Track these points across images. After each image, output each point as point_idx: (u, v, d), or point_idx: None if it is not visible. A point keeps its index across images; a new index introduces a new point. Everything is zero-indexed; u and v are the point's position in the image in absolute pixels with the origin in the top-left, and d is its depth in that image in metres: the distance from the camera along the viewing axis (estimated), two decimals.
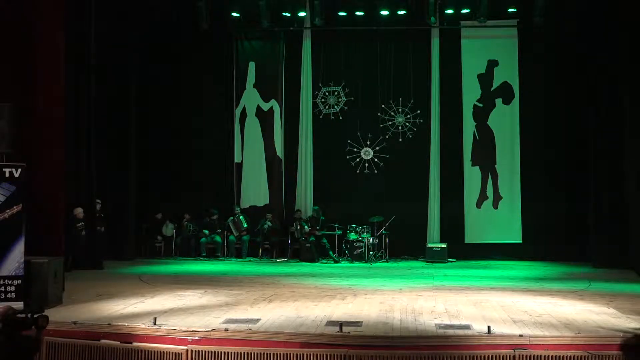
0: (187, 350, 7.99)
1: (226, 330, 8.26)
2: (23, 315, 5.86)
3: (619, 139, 14.98)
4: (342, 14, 17.42)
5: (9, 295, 9.46)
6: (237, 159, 17.90)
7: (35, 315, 5.87)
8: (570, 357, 7.72)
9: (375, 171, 17.61)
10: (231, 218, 17.29)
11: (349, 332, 8.20)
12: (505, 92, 17.21)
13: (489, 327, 8.19)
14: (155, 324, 8.42)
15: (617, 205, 14.93)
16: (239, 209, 17.45)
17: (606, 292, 11.47)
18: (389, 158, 17.54)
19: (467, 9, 16.96)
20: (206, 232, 17.15)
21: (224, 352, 7.90)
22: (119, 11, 15.98)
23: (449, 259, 16.40)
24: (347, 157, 17.68)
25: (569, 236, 16.48)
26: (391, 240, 16.82)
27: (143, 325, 8.45)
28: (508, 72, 17.16)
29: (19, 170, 9.67)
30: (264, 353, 7.86)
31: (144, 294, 11.10)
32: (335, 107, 17.79)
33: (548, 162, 16.85)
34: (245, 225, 17.21)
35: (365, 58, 17.63)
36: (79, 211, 14.30)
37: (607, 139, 15.25)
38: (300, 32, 17.65)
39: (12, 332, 5.79)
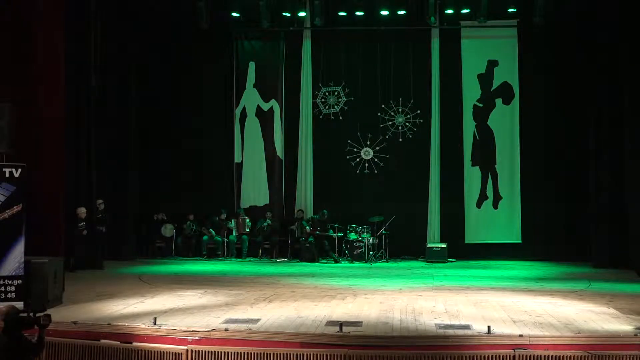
0: (187, 350, 8.00)
1: (226, 330, 8.27)
2: (25, 314, 5.86)
3: (619, 139, 14.99)
4: (342, 14, 17.41)
5: (9, 295, 9.47)
6: (237, 159, 17.89)
7: (38, 314, 5.87)
8: (570, 357, 7.72)
9: (375, 171, 17.60)
10: (233, 219, 17.29)
11: (349, 332, 8.20)
12: (505, 92, 17.20)
13: (489, 327, 8.19)
14: (155, 324, 8.43)
15: (617, 205, 14.94)
16: (242, 210, 17.44)
17: (606, 292, 11.47)
18: (389, 158, 17.53)
19: (467, 9, 16.95)
20: (212, 231, 17.12)
21: (224, 352, 7.90)
22: (119, 11, 15.99)
23: (449, 259, 16.39)
24: (347, 157, 17.67)
25: (569, 236, 16.49)
26: (391, 240, 16.81)
27: (143, 325, 8.46)
28: (508, 72, 17.15)
29: (19, 170, 9.67)
30: (264, 353, 7.86)
31: (144, 294, 11.10)
32: (335, 107, 17.79)
33: (548, 162, 16.85)
34: (248, 230, 17.21)
35: (365, 58, 17.62)
36: (82, 211, 14.31)
37: (607, 139, 15.26)
38: (300, 32, 17.63)
39: (15, 332, 5.78)
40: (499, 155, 17.19)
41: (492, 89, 17.28)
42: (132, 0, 16.28)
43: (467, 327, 8.53)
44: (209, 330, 8.25)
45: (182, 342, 8.11)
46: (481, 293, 11.51)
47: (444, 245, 16.52)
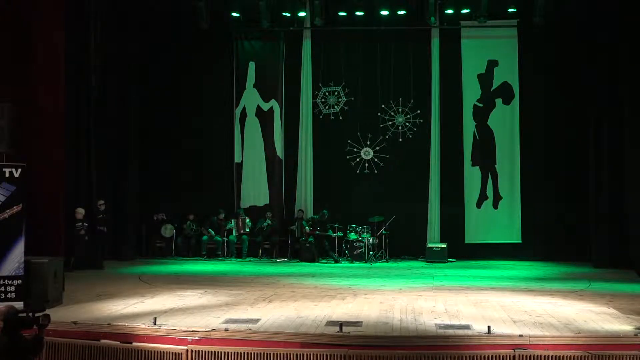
0: (187, 350, 8.00)
1: (226, 330, 8.27)
2: (25, 315, 5.85)
3: (619, 139, 14.99)
4: (342, 14, 17.42)
5: (9, 295, 9.47)
6: (237, 159, 17.89)
7: (37, 314, 5.86)
8: (570, 357, 7.72)
9: (375, 171, 17.60)
10: (233, 219, 17.29)
11: (349, 332, 8.20)
12: (505, 92, 17.20)
13: (489, 327, 8.20)
14: (155, 324, 8.43)
15: (617, 205, 14.94)
16: (242, 210, 17.44)
17: (606, 292, 11.48)
18: (389, 158, 17.53)
19: (467, 9, 16.96)
20: (212, 231, 17.11)
21: (224, 352, 7.91)
22: (119, 11, 15.99)
23: (449, 259, 16.39)
24: (347, 157, 17.67)
25: (569, 236, 16.49)
26: (391, 240, 16.81)
27: (143, 325, 8.46)
28: (508, 72, 17.15)
29: (19, 170, 9.68)
30: (264, 353, 7.87)
31: (144, 294, 11.10)
32: (335, 107, 17.78)
33: (548, 162, 16.85)
34: (248, 230, 17.20)
35: (365, 58, 17.62)
36: (80, 212, 14.31)
37: (607, 139, 15.26)
38: (300, 32, 17.63)
39: (15, 332, 5.78)
40: (499, 155, 17.19)
41: (492, 89, 17.28)
42: (132, 0, 16.28)
43: (467, 327, 8.53)
44: (209, 330, 8.25)
45: (182, 342, 8.12)
46: (481, 293, 11.51)
47: (444, 245, 16.52)
